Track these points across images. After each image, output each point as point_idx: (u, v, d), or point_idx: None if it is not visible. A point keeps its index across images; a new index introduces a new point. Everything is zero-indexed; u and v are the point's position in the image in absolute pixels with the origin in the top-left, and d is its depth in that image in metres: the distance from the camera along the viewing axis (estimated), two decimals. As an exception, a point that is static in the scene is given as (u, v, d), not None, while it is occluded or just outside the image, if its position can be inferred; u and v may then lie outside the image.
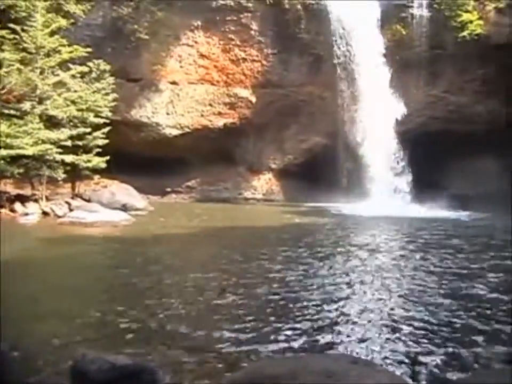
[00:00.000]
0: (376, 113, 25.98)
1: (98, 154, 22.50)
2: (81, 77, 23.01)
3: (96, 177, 22.83)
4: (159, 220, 20.07)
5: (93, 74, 23.44)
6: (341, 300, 8.59)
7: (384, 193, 25.64)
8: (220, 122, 27.94)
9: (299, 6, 27.19)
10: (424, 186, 25.34)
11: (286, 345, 6.49)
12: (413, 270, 10.90)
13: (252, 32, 27.33)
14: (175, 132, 27.56)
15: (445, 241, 15.10)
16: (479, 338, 6.84)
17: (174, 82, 27.27)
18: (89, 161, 22.10)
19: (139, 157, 25.23)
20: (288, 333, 6.91)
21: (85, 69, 22.94)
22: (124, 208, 21.28)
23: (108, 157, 22.33)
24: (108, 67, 23.73)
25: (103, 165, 22.35)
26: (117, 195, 22.27)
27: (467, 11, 27.50)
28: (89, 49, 22.88)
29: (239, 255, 12.36)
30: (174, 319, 7.38)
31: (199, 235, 16.59)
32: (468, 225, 19.27)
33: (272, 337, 6.75)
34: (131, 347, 6.17)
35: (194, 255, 13.00)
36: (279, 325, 7.17)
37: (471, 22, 27.34)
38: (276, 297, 8.63)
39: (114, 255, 12.51)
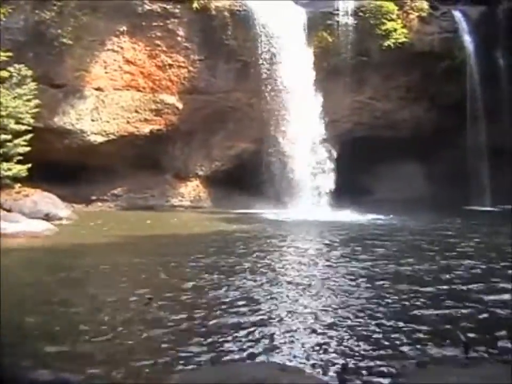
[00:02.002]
0: (303, 120, 26.14)
1: (19, 162, 21.82)
2: (1, 82, 22.28)
3: (17, 186, 22.06)
4: (82, 229, 19.63)
5: (14, 80, 22.70)
6: (262, 304, 8.61)
7: (311, 198, 25.81)
8: (146, 129, 27.51)
9: (226, 13, 27.11)
10: (351, 191, 25.63)
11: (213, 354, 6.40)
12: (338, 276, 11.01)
13: (179, 38, 27.07)
14: (100, 139, 26.96)
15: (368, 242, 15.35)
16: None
17: (99, 89, 26.69)
18: (9, 169, 21.39)
19: (63, 165, 24.56)
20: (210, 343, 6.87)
21: (5, 74, 22.23)
22: (47, 217, 20.63)
23: (29, 165, 21.69)
24: (30, 72, 23.05)
25: (25, 173, 21.71)
26: (39, 204, 21.55)
27: (391, 19, 28.09)
28: (9, 54, 22.21)
29: (160, 265, 12.26)
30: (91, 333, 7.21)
31: (122, 244, 16.32)
32: (390, 228, 19.63)
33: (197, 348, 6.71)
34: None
35: (115, 265, 12.72)
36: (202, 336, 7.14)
37: (395, 30, 27.96)
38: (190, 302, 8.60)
39: (32, 267, 12.11)
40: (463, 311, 8.39)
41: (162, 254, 14.17)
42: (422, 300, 9.07)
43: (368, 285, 10.11)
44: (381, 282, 10.33)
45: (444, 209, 24.98)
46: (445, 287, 9.98)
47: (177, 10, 26.88)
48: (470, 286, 9.98)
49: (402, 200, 26.93)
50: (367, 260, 12.66)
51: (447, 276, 10.85)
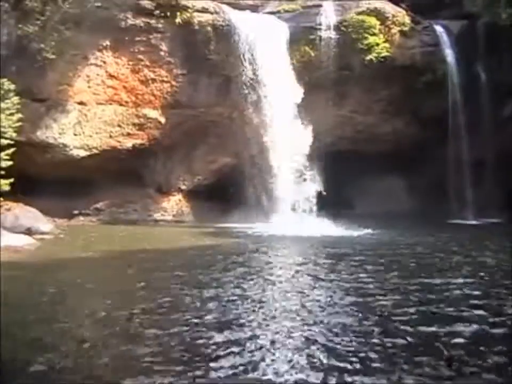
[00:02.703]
0: (285, 134, 26.23)
1: (1, 176, 21.71)
2: (-17, 97, 22.24)
3: (-1, 200, 21.98)
4: (64, 243, 19.58)
5: (-4, 94, 22.70)
6: (243, 320, 8.62)
7: (293, 212, 25.77)
8: (128, 143, 27.51)
9: (209, 28, 27.26)
10: (333, 204, 25.72)
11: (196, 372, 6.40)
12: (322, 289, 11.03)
13: (162, 52, 27.16)
14: (83, 153, 26.93)
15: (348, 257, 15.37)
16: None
17: (81, 103, 26.67)
18: (-9, 184, 21.33)
19: (45, 179, 24.49)
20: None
21: (-13, 88, 22.22)
22: (28, 232, 20.58)
23: (12, 179, 21.60)
24: (12, 86, 22.92)
25: (7, 188, 21.61)
26: (20, 218, 21.48)
27: (373, 34, 28.34)
28: (-8, 68, 22.26)
29: (140, 280, 12.23)
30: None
31: (103, 259, 16.27)
32: (372, 243, 19.57)
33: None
34: None
35: (95, 280, 12.70)
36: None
37: (377, 44, 28.21)
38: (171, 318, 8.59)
39: (11, 281, 12.02)
40: (447, 328, 8.34)
41: (143, 269, 14.13)
42: (404, 317, 9.01)
43: (350, 301, 10.10)
44: (362, 299, 10.34)
45: (427, 223, 25.08)
46: (427, 305, 9.86)
47: (160, 25, 27.02)
48: (453, 304, 9.89)
49: (384, 214, 26.98)
50: (349, 275, 12.65)
51: (430, 294, 10.75)
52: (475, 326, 8.45)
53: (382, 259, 15.36)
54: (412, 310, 9.43)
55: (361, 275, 12.59)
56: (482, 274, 12.77)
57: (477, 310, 9.38)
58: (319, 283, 11.86)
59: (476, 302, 10.04)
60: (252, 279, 12.23)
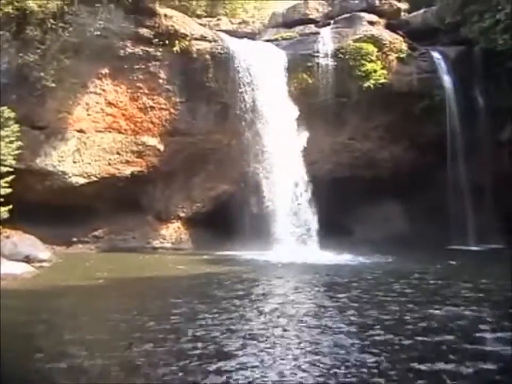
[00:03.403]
0: (284, 160, 26.31)
1: (0, 203, 21.76)
2: (-17, 125, 22.35)
3: (-2, 227, 21.98)
4: (62, 271, 19.55)
5: (-3, 122, 22.81)
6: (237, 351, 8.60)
7: (293, 239, 25.71)
8: (127, 170, 27.52)
9: (207, 55, 27.45)
10: (332, 231, 25.66)
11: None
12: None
13: (160, 80, 27.31)
14: (82, 181, 26.92)
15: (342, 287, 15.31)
16: None
17: (80, 130, 26.75)
18: (-10, 211, 21.35)
19: (44, 206, 24.45)
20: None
21: (-12, 116, 22.33)
22: (27, 259, 20.55)
23: (10, 206, 21.63)
24: (12, 114, 23.04)
25: (6, 215, 21.63)
26: (19, 246, 21.44)
27: (371, 61, 28.49)
28: (-8, 96, 22.37)
29: (138, 309, 12.20)
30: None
31: (101, 287, 16.21)
32: (372, 270, 19.42)
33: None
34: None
35: (94, 309, 12.67)
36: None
37: (375, 71, 28.33)
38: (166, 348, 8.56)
39: (9, 309, 11.98)
40: (449, 366, 8.08)
41: (141, 297, 14.13)
42: (404, 352, 8.84)
43: (348, 334, 10.04)
44: (360, 331, 10.27)
45: (426, 249, 24.77)
46: (427, 337, 9.69)
47: (159, 53, 27.18)
48: (453, 335, 9.75)
49: (383, 240, 26.90)
50: (349, 306, 12.55)
51: (429, 325, 10.61)
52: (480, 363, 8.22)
53: (381, 287, 15.29)
54: (414, 342, 9.35)
55: (363, 306, 12.52)
56: (486, 303, 12.62)
57: (486, 346, 9.24)
58: (319, 311, 11.82)
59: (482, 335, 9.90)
60: (249, 309, 12.19)
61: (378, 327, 10.35)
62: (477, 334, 9.86)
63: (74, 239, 27.65)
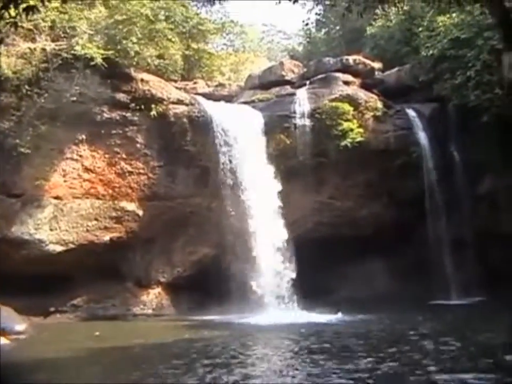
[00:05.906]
0: (264, 222, 26.21)
1: (-26, 275, 21.36)
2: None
3: (-28, 299, 21.47)
4: (39, 343, 19.18)
5: (-29, 191, 22.57)
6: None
7: (275, 301, 25.44)
8: (106, 237, 27.13)
9: (184, 119, 27.53)
10: (315, 291, 25.49)
11: None
12: None
13: (138, 145, 27.24)
14: (59, 248, 26.47)
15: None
16: None
17: (57, 197, 26.40)
18: (-36, 283, 20.89)
19: (20, 276, 23.94)
20: None
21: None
22: (2, 332, 20.06)
23: (-15, 277, 21.22)
24: (-13, 183, 22.91)
25: (-20, 287, 21.21)
26: (-6, 318, 20.96)
27: (347, 120, 28.79)
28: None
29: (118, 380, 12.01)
30: None
31: (79, 358, 15.97)
32: (348, 330, 19.42)
33: None
34: None
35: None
36: None
37: (351, 130, 28.59)
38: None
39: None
40: None
41: (120, 367, 13.94)
42: None
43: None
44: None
45: (409, 305, 24.70)
46: None
47: (136, 118, 27.15)
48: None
49: (366, 298, 26.79)
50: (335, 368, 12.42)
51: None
52: None
53: (361, 347, 15.19)
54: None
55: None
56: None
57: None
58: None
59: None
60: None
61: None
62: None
63: (52, 309, 27.01)
